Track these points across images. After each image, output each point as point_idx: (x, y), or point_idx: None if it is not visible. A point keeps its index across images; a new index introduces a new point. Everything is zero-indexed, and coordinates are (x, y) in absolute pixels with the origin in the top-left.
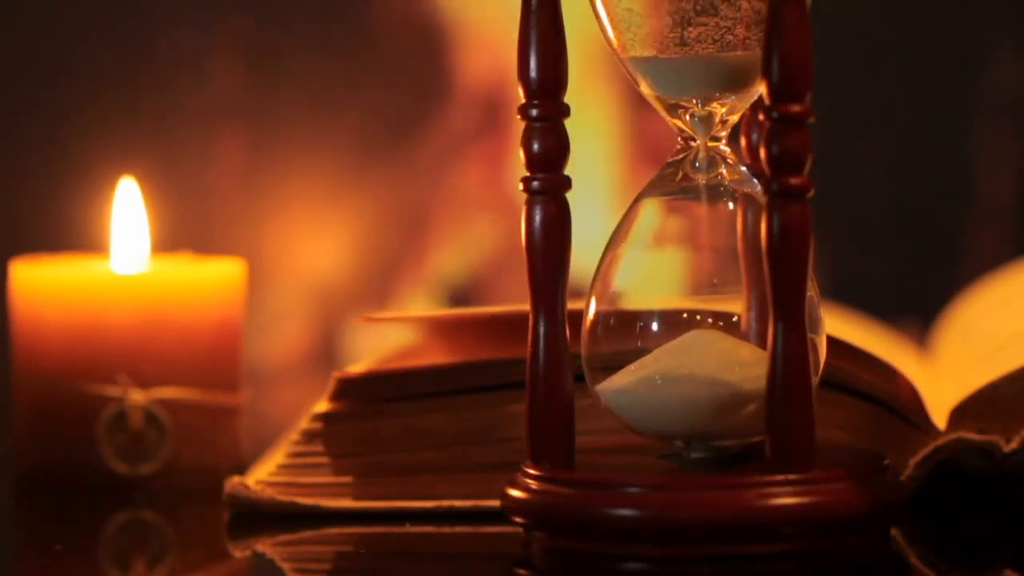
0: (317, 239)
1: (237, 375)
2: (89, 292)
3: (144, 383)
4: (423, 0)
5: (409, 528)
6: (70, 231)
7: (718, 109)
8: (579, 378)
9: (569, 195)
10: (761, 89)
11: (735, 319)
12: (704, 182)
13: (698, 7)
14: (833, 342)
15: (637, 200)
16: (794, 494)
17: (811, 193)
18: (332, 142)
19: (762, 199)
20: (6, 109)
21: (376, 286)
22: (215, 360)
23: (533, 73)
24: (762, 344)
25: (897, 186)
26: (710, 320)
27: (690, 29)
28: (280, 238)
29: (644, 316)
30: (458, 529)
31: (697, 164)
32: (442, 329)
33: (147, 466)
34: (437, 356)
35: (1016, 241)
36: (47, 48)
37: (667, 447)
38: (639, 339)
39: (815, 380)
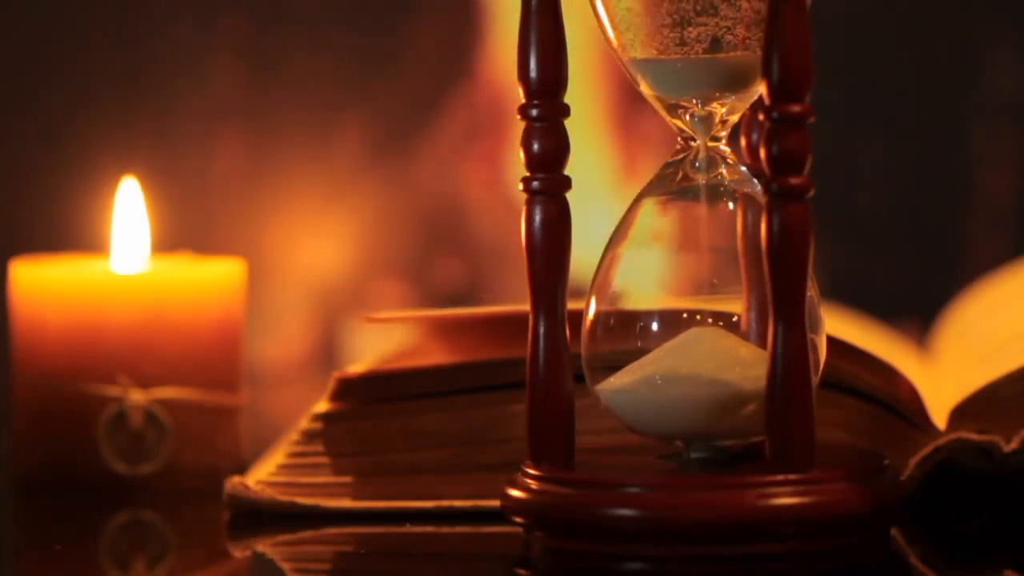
0: (317, 239)
1: (237, 375)
2: (89, 292)
3: (144, 383)
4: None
5: (409, 528)
6: (70, 231)
7: (718, 109)
8: (579, 378)
9: (569, 195)
10: (761, 89)
11: (735, 319)
12: (704, 182)
13: (698, 7)
14: (833, 342)
15: (637, 200)
16: (794, 494)
17: (811, 193)
18: (332, 142)
19: (762, 199)
20: (6, 109)
21: (376, 286)
22: (215, 360)
23: (533, 73)
24: (762, 344)
25: (897, 186)
26: (710, 320)
27: (690, 29)
28: (280, 238)
29: (644, 316)
30: (458, 529)
31: (697, 164)
32: (442, 329)
33: (147, 466)
34: (437, 356)
35: (1016, 241)
36: (47, 48)
37: (667, 447)
38: (639, 339)
39: (815, 380)
